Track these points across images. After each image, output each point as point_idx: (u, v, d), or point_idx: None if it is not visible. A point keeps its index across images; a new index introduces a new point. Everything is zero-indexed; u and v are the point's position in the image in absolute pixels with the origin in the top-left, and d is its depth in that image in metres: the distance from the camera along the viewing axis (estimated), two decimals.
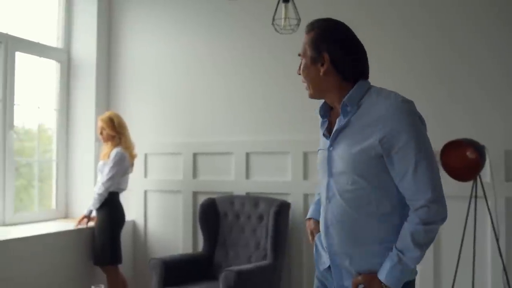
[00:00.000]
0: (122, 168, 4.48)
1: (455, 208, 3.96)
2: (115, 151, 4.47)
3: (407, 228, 1.85)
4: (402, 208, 1.90)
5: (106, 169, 4.44)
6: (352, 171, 1.88)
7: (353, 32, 1.98)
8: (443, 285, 4.05)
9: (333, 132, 1.96)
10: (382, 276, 1.86)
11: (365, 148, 1.85)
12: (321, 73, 1.93)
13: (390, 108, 1.83)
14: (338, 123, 1.94)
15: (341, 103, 1.93)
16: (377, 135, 1.82)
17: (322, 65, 1.93)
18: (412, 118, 1.84)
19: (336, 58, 1.91)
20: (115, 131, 4.54)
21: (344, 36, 1.95)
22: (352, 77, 1.94)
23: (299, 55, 2.00)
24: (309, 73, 1.97)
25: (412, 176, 1.82)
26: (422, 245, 1.84)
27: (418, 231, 1.83)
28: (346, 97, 1.91)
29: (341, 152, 1.91)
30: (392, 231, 1.89)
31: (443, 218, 1.87)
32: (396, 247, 1.86)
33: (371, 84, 1.99)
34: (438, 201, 1.84)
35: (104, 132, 4.55)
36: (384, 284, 1.85)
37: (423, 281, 4.08)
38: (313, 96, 2.02)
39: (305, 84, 2.02)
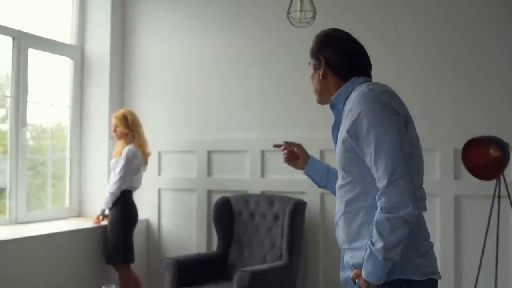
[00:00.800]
0: (133, 166, 4.43)
1: (477, 207, 3.91)
2: (127, 148, 4.42)
3: (375, 218, 1.80)
4: None
5: (118, 167, 4.39)
6: (340, 167, 1.97)
7: (348, 35, 2.10)
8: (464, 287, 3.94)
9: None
10: (362, 270, 1.84)
11: (342, 142, 1.92)
12: (321, 76, 2.07)
13: (356, 98, 1.89)
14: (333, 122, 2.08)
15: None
16: (346, 127, 1.89)
17: (321, 68, 2.07)
18: (372, 104, 1.84)
19: (330, 59, 2.05)
20: (128, 129, 4.48)
21: (337, 39, 2.08)
22: (348, 76, 2.03)
23: (309, 64, 2.17)
24: (314, 80, 2.12)
25: (374, 162, 1.80)
26: (384, 236, 1.75)
27: (380, 220, 1.76)
28: (333, 96, 2.04)
29: (336, 149, 2.00)
30: None
31: (405, 208, 1.73)
32: (370, 240, 1.82)
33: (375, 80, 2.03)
34: (396, 188, 1.74)
35: (118, 130, 4.50)
36: (365, 279, 1.83)
37: (444, 284, 3.97)
38: (320, 100, 2.16)
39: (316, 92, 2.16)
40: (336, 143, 2.02)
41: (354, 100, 1.89)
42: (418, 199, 1.78)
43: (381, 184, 1.77)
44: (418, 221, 1.86)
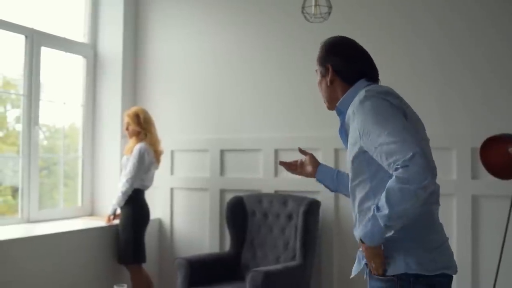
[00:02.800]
0: (144, 164, 4.40)
1: (496, 208, 3.83)
2: (138, 146, 4.39)
3: (388, 185, 1.79)
4: None
5: (129, 165, 4.37)
6: (351, 167, 2.01)
7: (353, 41, 2.18)
8: None
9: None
10: (360, 230, 1.90)
11: (353, 144, 1.97)
12: (328, 83, 2.14)
13: (356, 100, 1.96)
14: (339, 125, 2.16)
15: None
16: (355, 128, 1.94)
17: (328, 75, 2.14)
18: (371, 101, 1.89)
19: (337, 65, 2.12)
20: (140, 127, 4.46)
21: (343, 46, 2.17)
22: (353, 80, 2.10)
23: (316, 71, 2.23)
24: (321, 87, 2.19)
25: (386, 153, 1.79)
26: (393, 204, 1.74)
27: (392, 188, 1.75)
28: (339, 102, 2.11)
29: (347, 150, 2.05)
30: None
31: (421, 182, 1.70)
32: (376, 203, 1.84)
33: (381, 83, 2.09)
34: (414, 164, 1.71)
35: (130, 128, 4.48)
36: (361, 239, 1.89)
37: (461, 285, 3.90)
38: (329, 107, 2.21)
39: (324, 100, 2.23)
40: (346, 144, 2.08)
41: (355, 102, 1.97)
42: (436, 174, 1.75)
43: (397, 159, 1.75)
44: (428, 216, 1.90)
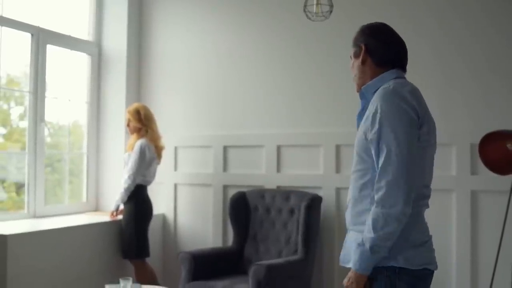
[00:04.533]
0: (145, 160, 4.45)
1: (495, 203, 3.88)
2: (138, 143, 4.45)
3: (371, 210, 1.94)
4: None
5: (130, 162, 4.43)
6: (356, 154, 2.07)
7: (390, 27, 2.19)
8: (480, 285, 3.92)
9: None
10: (351, 260, 2.01)
11: (363, 131, 2.02)
12: (360, 63, 2.15)
13: (381, 93, 1.99)
14: (359, 109, 2.18)
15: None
16: (367, 118, 2.01)
17: (361, 55, 2.15)
18: (391, 103, 1.93)
19: (370, 45, 2.13)
20: (141, 123, 4.51)
21: (380, 29, 2.18)
22: (385, 64, 2.12)
23: (350, 57, 2.24)
24: (353, 68, 2.20)
25: (380, 158, 1.92)
26: (376, 229, 1.89)
27: (375, 213, 1.90)
28: (364, 85, 2.13)
29: (357, 136, 2.09)
30: None
31: (398, 206, 1.87)
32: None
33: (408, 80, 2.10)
34: (394, 188, 1.87)
35: (131, 124, 4.54)
36: (352, 269, 1.99)
37: (459, 281, 3.96)
38: (359, 89, 2.19)
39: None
40: (358, 127, 2.13)
41: (378, 93, 2.01)
42: (411, 200, 1.90)
43: (381, 178, 1.90)
44: (416, 216, 1.99)
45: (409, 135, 1.91)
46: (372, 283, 1.97)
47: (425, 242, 2.02)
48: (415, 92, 2.00)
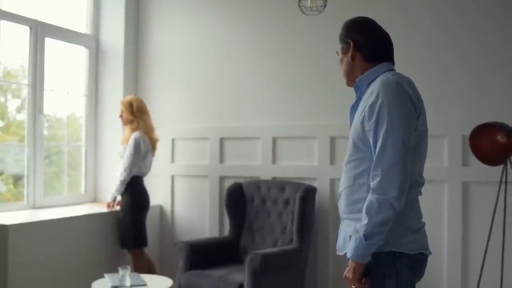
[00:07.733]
0: (140, 152, 4.50)
1: (485, 193, 3.95)
2: (133, 136, 4.50)
3: (367, 198, 1.98)
4: None
5: (125, 154, 4.48)
6: (352, 143, 2.10)
7: (374, 21, 2.24)
8: (470, 273, 4.00)
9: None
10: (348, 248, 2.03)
11: (359, 121, 2.05)
12: (349, 59, 2.18)
13: (380, 82, 2.02)
14: (353, 101, 2.21)
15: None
16: (365, 107, 2.02)
17: (349, 51, 2.18)
18: (393, 92, 1.97)
19: (358, 41, 2.17)
20: (133, 115, 4.56)
21: (365, 23, 2.22)
22: (374, 58, 2.16)
23: (337, 53, 2.27)
24: (343, 64, 2.23)
25: (378, 146, 1.95)
26: (371, 215, 1.93)
27: (371, 200, 1.94)
28: (359, 78, 2.16)
29: (351, 126, 2.14)
30: None
31: (391, 194, 1.91)
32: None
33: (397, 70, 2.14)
34: (390, 175, 1.92)
35: (123, 115, 4.59)
36: (349, 257, 2.02)
37: (451, 269, 4.03)
38: (348, 83, 2.25)
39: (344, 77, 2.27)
40: (352, 122, 2.17)
41: (378, 84, 2.03)
42: (406, 188, 1.94)
43: (377, 166, 1.94)
44: (411, 203, 2.05)
45: (407, 125, 1.96)
46: (368, 280, 2.02)
47: (420, 228, 2.08)
48: (412, 84, 2.05)
